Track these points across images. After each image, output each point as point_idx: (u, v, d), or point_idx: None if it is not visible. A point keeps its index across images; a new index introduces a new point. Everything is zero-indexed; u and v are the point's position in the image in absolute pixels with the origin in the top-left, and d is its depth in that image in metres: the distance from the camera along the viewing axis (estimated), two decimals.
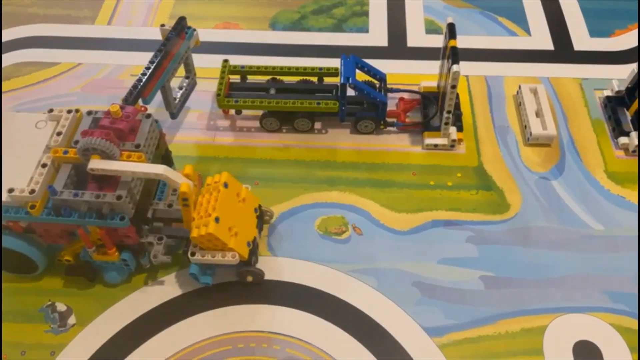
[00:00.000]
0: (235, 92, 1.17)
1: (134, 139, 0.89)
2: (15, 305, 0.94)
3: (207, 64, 1.30)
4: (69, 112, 0.92)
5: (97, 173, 0.83)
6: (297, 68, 1.18)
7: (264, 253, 1.00)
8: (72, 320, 0.92)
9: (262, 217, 0.98)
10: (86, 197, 0.83)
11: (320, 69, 1.18)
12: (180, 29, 1.09)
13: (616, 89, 1.20)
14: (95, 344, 0.91)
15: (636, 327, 0.91)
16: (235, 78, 1.21)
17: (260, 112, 1.17)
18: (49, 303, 0.94)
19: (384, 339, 0.91)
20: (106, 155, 0.83)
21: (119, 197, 0.83)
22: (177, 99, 1.14)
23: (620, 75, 1.26)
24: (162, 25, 1.09)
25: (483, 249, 1.00)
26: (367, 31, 1.38)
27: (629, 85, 1.17)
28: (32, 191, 0.84)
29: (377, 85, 1.18)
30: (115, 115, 0.87)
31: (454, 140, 1.12)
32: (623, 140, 1.12)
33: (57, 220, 0.85)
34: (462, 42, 1.34)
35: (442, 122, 1.11)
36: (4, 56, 1.34)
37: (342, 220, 1.04)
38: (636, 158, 1.12)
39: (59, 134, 0.89)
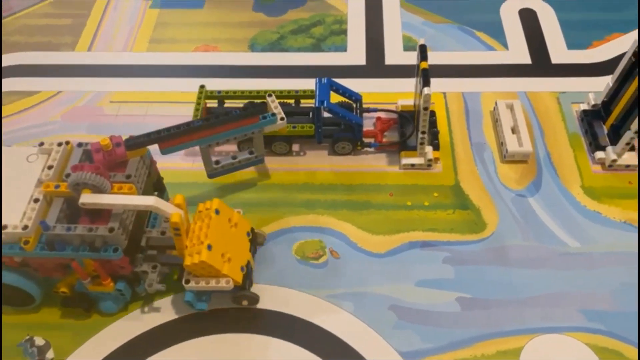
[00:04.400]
0: None
1: (124, 170, 0.90)
2: None
3: (187, 88, 1.31)
4: (60, 144, 0.93)
5: (88, 207, 0.84)
6: (273, 91, 1.19)
7: None
8: (50, 354, 0.93)
9: (255, 241, 1.00)
10: (79, 230, 0.84)
11: (297, 91, 1.19)
12: (254, 112, 1.00)
13: (592, 102, 1.20)
14: None
15: (612, 347, 0.91)
16: (214, 102, 1.22)
17: None
18: (28, 337, 0.94)
19: None
20: (97, 189, 0.84)
21: (111, 230, 0.84)
22: (222, 166, 1.08)
23: (597, 87, 1.26)
24: (270, 95, 1.05)
25: (459, 270, 1.00)
26: (345, 50, 1.39)
27: (605, 99, 1.18)
28: (25, 227, 0.84)
29: (354, 106, 1.19)
30: (106, 148, 0.88)
31: (430, 160, 1.13)
32: (599, 154, 1.13)
33: (51, 254, 0.86)
34: (440, 58, 1.36)
35: (417, 142, 1.11)
36: None
37: (319, 245, 1.05)
38: (612, 172, 1.12)
39: (50, 167, 0.90)
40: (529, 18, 1.44)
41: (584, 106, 1.22)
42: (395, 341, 0.92)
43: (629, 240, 1.02)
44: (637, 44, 1.06)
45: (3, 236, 0.85)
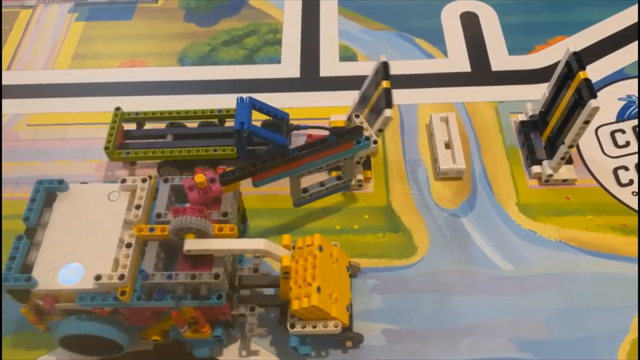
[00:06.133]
0: (130, 140, 1.11)
1: (219, 207, 0.83)
2: None
3: (109, 108, 1.23)
4: (144, 180, 0.85)
5: (194, 254, 0.77)
6: (194, 112, 1.12)
7: None
8: None
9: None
10: (181, 278, 0.77)
11: (220, 111, 1.12)
12: (349, 138, 0.92)
13: (530, 112, 1.15)
14: None
15: None
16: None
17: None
18: None
19: None
20: (201, 234, 0.77)
21: (216, 276, 0.77)
22: (310, 194, 1.00)
23: (537, 96, 1.21)
24: (357, 115, 0.97)
25: (387, 299, 0.95)
26: (279, 62, 1.33)
27: (542, 109, 1.13)
28: (122, 277, 0.76)
29: (282, 124, 1.13)
30: (201, 186, 0.81)
31: (360, 180, 1.07)
32: (536, 169, 1.08)
33: (150, 304, 0.78)
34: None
35: None
36: None
37: None
38: (549, 188, 1.07)
39: (137, 207, 0.82)
40: (470, 22, 1.39)
41: (522, 116, 1.17)
42: None
43: (564, 261, 0.98)
44: (569, 52, 1.02)
45: (97, 286, 0.77)
